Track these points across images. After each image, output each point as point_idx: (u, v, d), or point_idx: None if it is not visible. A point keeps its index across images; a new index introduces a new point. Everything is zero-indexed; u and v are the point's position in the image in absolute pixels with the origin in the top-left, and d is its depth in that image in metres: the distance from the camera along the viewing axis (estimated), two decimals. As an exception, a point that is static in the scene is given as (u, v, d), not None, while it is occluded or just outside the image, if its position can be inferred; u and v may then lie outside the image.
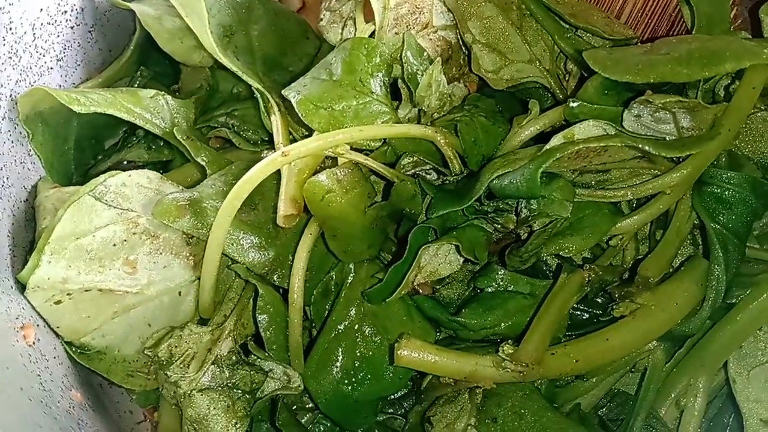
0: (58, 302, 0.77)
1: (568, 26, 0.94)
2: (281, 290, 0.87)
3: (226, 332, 0.84)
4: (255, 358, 0.84)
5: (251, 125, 0.96)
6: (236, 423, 0.81)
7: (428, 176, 0.90)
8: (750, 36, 0.93)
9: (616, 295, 0.86)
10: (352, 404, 0.87)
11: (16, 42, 0.84)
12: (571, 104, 0.84)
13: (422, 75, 0.86)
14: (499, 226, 0.86)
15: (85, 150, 0.95)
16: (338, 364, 0.86)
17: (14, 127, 0.86)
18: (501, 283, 0.87)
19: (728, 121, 0.81)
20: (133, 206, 0.81)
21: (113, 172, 0.81)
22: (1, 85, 0.82)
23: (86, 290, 0.78)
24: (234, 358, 0.83)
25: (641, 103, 0.80)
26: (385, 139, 0.87)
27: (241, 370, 0.83)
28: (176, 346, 0.81)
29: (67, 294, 0.77)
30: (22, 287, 0.76)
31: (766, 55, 0.73)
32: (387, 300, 0.85)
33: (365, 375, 0.87)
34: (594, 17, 0.93)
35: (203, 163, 0.87)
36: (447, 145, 0.86)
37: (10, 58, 0.83)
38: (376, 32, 0.91)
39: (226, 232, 0.81)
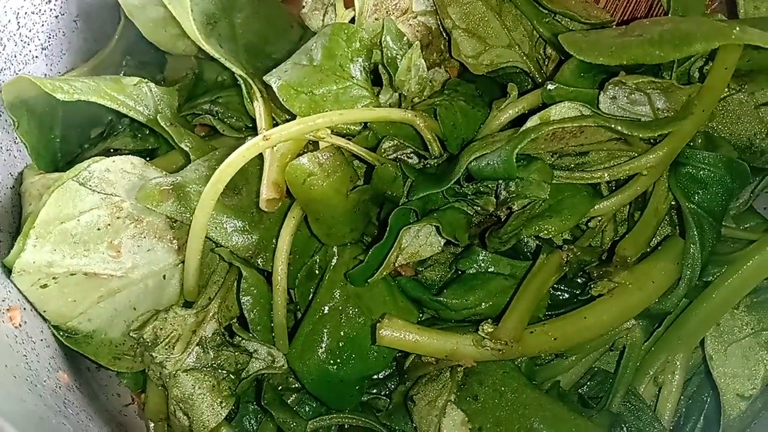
0: (44, 286, 0.78)
1: (546, 11, 0.95)
2: (265, 273, 0.88)
3: (211, 314, 0.85)
4: (239, 339, 0.86)
5: (235, 112, 0.97)
6: (221, 402, 0.82)
7: (409, 160, 0.91)
8: (726, 18, 0.94)
9: (595, 275, 0.87)
10: (338, 384, 0.89)
11: (0, 31, 0.85)
12: (548, 87, 0.85)
13: (402, 59, 0.88)
14: (479, 208, 0.87)
15: (70, 138, 0.97)
16: (323, 344, 0.88)
17: (0, 114, 0.87)
18: (482, 265, 0.89)
19: (702, 101, 0.82)
20: (117, 191, 0.82)
21: (97, 157, 0.82)
22: (-14, 74, 0.84)
23: (71, 274, 0.79)
24: (218, 339, 0.85)
25: (615, 84, 0.81)
26: (366, 124, 0.88)
27: (225, 351, 0.84)
28: (161, 328, 0.82)
29: (53, 278, 0.78)
30: (8, 271, 0.77)
31: (736, 35, 0.74)
32: (370, 281, 0.86)
33: (350, 355, 0.88)
34: (572, 2, 0.94)
35: (187, 149, 0.89)
36: (426, 128, 0.87)
37: (-6, 46, 0.85)
38: (356, 18, 0.92)
39: (210, 215, 0.82)
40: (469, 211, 0.88)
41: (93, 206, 0.80)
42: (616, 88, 0.82)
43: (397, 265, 0.88)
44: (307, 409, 0.92)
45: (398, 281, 0.90)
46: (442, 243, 0.89)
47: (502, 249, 0.88)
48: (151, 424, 0.89)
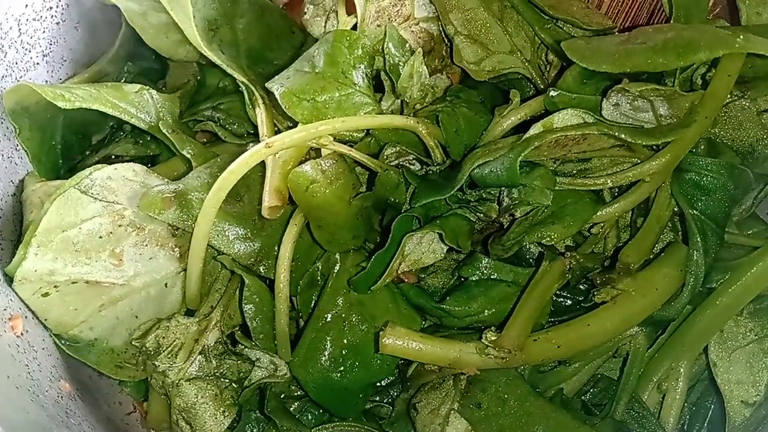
0: (46, 294, 0.78)
1: (548, 17, 0.94)
2: (267, 281, 0.88)
3: (213, 323, 0.85)
4: (242, 347, 0.85)
5: (237, 118, 0.97)
6: (224, 411, 0.82)
7: (412, 166, 0.91)
8: (728, 24, 0.94)
9: (598, 282, 0.87)
10: (342, 392, 0.88)
11: (1, 38, 0.85)
12: (551, 94, 0.85)
13: (404, 66, 0.87)
14: (482, 214, 0.87)
15: (72, 145, 0.96)
16: (326, 352, 0.87)
17: (1, 122, 0.87)
18: (484, 272, 0.89)
19: (704, 109, 0.82)
20: (119, 199, 0.82)
21: (99, 165, 0.82)
22: (-13, 81, 0.84)
23: (73, 282, 0.79)
24: (221, 347, 0.84)
25: (618, 91, 0.81)
26: (368, 130, 0.88)
27: (228, 359, 0.84)
28: (164, 337, 0.82)
29: (54, 286, 0.78)
30: (10, 280, 0.77)
31: (739, 44, 0.74)
32: (373, 288, 0.86)
33: (353, 363, 0.88)
34: (573, 8, 0.94)
35: (189, 156, 0.89)
36: (429, 135, 0.87)
37: (-4, 53, 0.84)
38: (358, 25, 0.92)
39: (212, 223, 0.82)
40: (471, 218, 0.88)
41: (95, 214, 0.80)
42: (619, 95, 0.82)
43: (399, 272, 0.88)
44: (309, 417, 0.92)
45: (401, 288, 0.90)
46: (445, 250, 0.89)
47: (504, 256, 0.88)
48: (153, 433, 0.88)
